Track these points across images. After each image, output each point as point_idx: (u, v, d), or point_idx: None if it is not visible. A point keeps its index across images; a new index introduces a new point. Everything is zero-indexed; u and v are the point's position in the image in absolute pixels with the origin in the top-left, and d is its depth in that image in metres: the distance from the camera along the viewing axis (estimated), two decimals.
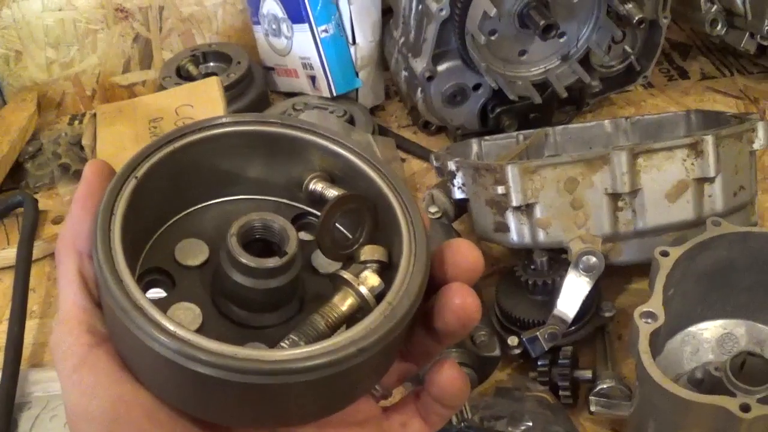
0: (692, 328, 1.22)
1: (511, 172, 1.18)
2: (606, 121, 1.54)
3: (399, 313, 0.61)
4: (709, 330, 1.22)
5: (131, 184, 0.64)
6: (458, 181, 1.28)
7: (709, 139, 1.19)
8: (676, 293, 1.10)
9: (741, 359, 1.08)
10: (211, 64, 1.86)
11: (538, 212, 1.20)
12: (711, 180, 1.20)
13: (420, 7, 1.53)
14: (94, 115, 1.58)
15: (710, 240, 1.13)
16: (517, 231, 1.23)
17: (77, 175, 1.67)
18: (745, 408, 0.91)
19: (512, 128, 1.60)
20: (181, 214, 0.70)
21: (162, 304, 0.62)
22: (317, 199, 0.71)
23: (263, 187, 0.73)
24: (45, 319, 1.45)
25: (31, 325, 1.41)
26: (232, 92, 1.73)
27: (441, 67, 1.56)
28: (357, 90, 1.77)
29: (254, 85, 1.81)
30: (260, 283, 0.63)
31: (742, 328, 1.22)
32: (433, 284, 0.66)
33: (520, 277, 1.26)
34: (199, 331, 0.62)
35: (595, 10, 1.54)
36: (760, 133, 1.25)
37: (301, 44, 1.73)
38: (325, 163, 0.71)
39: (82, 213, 0.65)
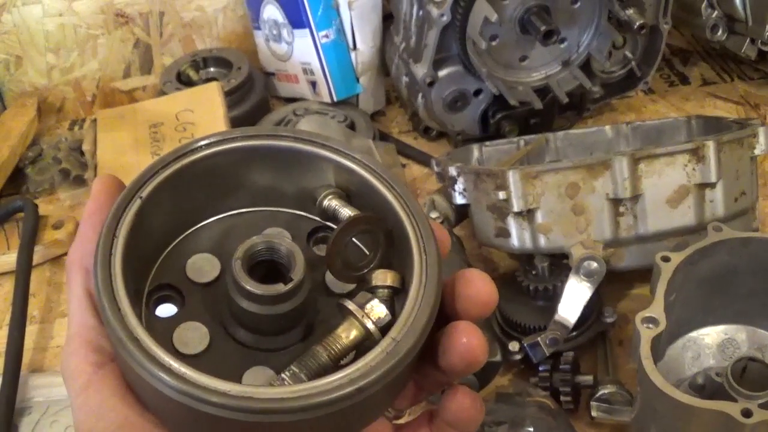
0: (693, 334, 1.22)
1: (513, 177, 1.18)
2: (607, 127, 1.54)
3: (402, 350, 0.60)
4: (710, 335, 1.22)
5: (136, 204, 0.64)
6: (459, 186, 1.28)
7: (710, 145, 1.18)
8: (677, 299, 1.10)
9: (742, 365, 1.07)
10: (212, 69, 1.86)
11: (539, 217, 1.20)
12: (712, 185, 1.20)
13: (421, 12, 1.52)
14: (95, 120, 1.58)
15: (711, 245, 1.13)
16: (518, 236, 1.23)
17: (77, 181, 1.67)
18: (747, 413, 0.91)
19: (513, 134, 1.60)
20: (193, 229, 0.70)
21: (170, 324, 0.62)
22: (331, 217, 0.70)
23: (278, 199, 0.72)
24: (45, 324, 1.44)
25: (31, 330, 1.41)
26: (233, 97, 1.73)
27: (442, 73, 1.56)
28: (357, 95, 1.77)
29: (255, 90, 1.81)
30: (265, 309, 0.62)
31: (743, 333, 1.22)
32: (444, 315, 0.65)
33: (522, 282, 1.26)
34: (205, 352, 0.62)
35: (596, 16, 1.54)
36: (761, 138, 1.25)
37: (302, 49, 1.73)
38: (340, 178, 0.71)
39: (90, 231, 0.65)
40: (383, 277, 0.66)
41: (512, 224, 1.22)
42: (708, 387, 1.09)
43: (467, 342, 0.62)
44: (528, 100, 1.57)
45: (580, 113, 1.71)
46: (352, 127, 1.70)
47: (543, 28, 1.45)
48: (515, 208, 1.19)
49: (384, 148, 1.65)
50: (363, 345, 0.62)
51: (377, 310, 0.63)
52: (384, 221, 0.68)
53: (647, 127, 1.53)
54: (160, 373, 0.56)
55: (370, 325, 0.62)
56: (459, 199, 1.29)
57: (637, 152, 1.19)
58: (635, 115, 1.78)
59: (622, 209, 1.19)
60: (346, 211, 0.68)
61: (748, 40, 1.72)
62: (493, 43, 1.51)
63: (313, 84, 1.75)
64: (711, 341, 1.21)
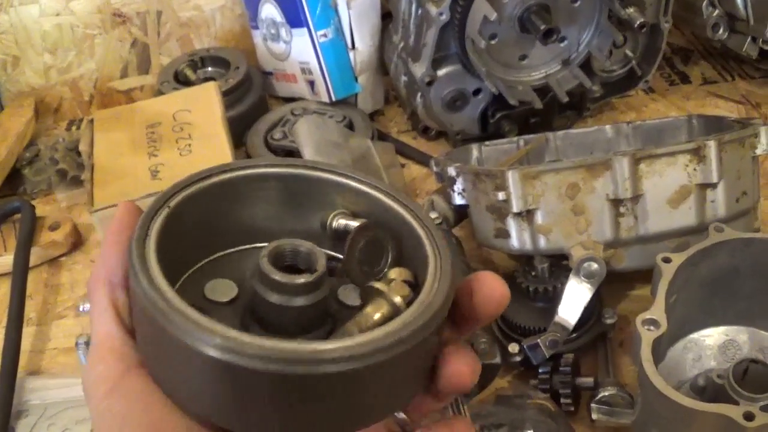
0: (694, 335, 1.21)
1: (512, 177, 1.18)
2: (607, 126, 1.53)
3: (434, 307, 0.61)
4: (711, 337, 1.21)
5: (164, 212, 0.65)
6: (458, 186, 1.28)
7: (711, 145, 1.18)
8: (678, 300, 1.09)
9: (744, 366, 1.07)
10: (210, 69, 1.85)
11: (539, 218, 1.20)
12: (713, 186, 1.20)
13: (420, 11, 1.52)
14: (92, 120, 1.57)
15: (713, 246, 1.12)
16: (517, 237, 1.22)
17: (75, 181, 1.67)
18: (749, 416, 0.90)
19: (513, 133, 1.59)
20: (207, 259, 0.71)
21: None
22: (342, 234, 0.71)
23: (290, 233, 0.71)
24: (42, 327, 1.44)
25: (28, 332, 1.40)
26: (231, 97, 1.72)
27: (441, 72, 1.55)
28: (356, 95, 1.76)
29: (253, 90, 1.80)
30: (291, 300, 0.62)
31: (744, 334, 1.21)
32: (459, 315, 0.65)
33: (521, 283, 1.25)
34: None
35: (596, 15, 1.53)
36: (763, 138, 1.25)
37: (300, 49, 1.72)
38: (347, 201, 0.72)
39: (113, 247, 0.66)
40: (398, 273, 0.68)
41: (512, 225, 1.21)
42: (709, 389, 1.09)
43: (455, 368, 0.64)
44: (528, 99, 1.56)
45: (580, 112, 1.70)
46: (350, 126, 1.69)
47: (543, 26, 1.44)
48: (515, 209, 1.19)
49: (383, 147, 1.65)
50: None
51: (402, 288, 0.64)
52: (394, 229, 0.69)
53: (648, 127, 1.52)
54: (207, 335, 0.56)
55: (398, 300, 0.63)
56: (458, 200, 1.29)
57: (637, 152, 1.18)
58: (635, 114, 1.78)
59: (622, 210, 1.19)
60: (356, 223, 0.70)
61: (749, 39, 1.72)
62: (493, 42, 1.50)
63: (312, 83, 1.74)
64: (712, 342, 1.21)
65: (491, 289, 0.65)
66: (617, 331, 1.28)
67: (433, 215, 1.32)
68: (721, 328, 1.21)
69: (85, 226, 1.59)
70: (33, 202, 1.62)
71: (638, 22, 1.50)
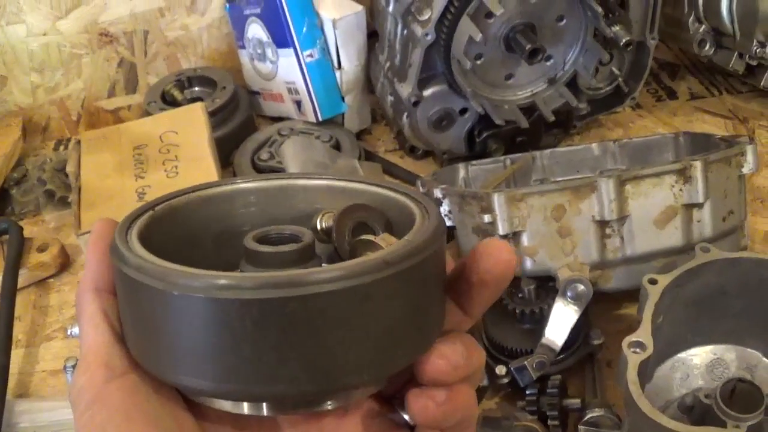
0: (682, 354, 1.21)
1: (498, 200, 1.17)
2: (594, 145, 1.53)
3: (426, 233, 0.61)
4: (698, 356, 1.21)
5: (147, 214, 0.65)
6: (444, 208, 1.27)
7: (697, 165, 1.18)
8: (665, 321, 1.09)
9: (731, 386, 1.07)
10: (196, 88, 1.86)
11: (525, 240, 1.20)
12: (700, 206, 1.20)
13: (405, 31, 1.52)
14: (78, 142, 1.57)
15: (699, 267, 1.12)
16: None
17: (62, 202, 1.67)
18: None
19: (499, 152, 1.59)
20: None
21: None
22: (330, 230, 0.70)
23: None
24: (31, 348, 1.43)
25: (16, 354, 1.40)
26: (218, 117, 1.72)
27: (427, 92, 1.55)
28: (343, 114, 1.76)
29: (240, 109, 1.80)
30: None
31: (732, 353, 1.21)
32: (465, 279, 0.65)
33: (508, 305, 1.25)
34: None
35: (582, 34, 1.53)
36: (749, 156, 1.25)
37: (287, 69, 1.72)
38: (330, 200, 0.72)
39: (96, 256, 0.66)
40: (387, 239, 0.66)
41: None
42: (697, 408, 1.08)
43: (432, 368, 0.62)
44: (514, 118, 1.56)
45: (567, 130, 1.70)
46: (337, 146, 1.69)
47: (528, 46, 1.44)
48: (501, 231, 1.19)
49: (369, 167, 1.65)
50: None
51: (390, 237, 0.64)
52: (381, 212, 0.69)
53: (634, 145, 1.52)
54: (194, 277, 0.55)
55: (387, 242, 0.63)
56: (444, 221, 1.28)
57: (623, 173, 1.18)
58: (623, 130, 1.78)
59: (608, 231, 1.19)
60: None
61: (735, 55, 1.72)
62: (478, 62, 1.50)
63: (298, 103, 1.74)
64: (700, 362, 1.21)
65: (498, 250, 0.64)
66: (605, 351, 1.28)
67: None
68: (709, 347, 1.21)
69: (73, 247, 1.59)
70: (21, 223, 1.61)
71: (624, 41, 1.50)
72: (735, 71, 1.75)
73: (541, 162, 1.53)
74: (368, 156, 1.73)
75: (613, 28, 1.51)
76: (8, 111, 1.89)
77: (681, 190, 1.18)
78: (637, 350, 1.01)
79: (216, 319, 0.55)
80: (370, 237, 0.64)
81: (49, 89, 1.89)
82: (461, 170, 1.51)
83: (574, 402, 1.18)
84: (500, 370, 1.20)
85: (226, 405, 0.61)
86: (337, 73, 1.71)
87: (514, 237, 1.20)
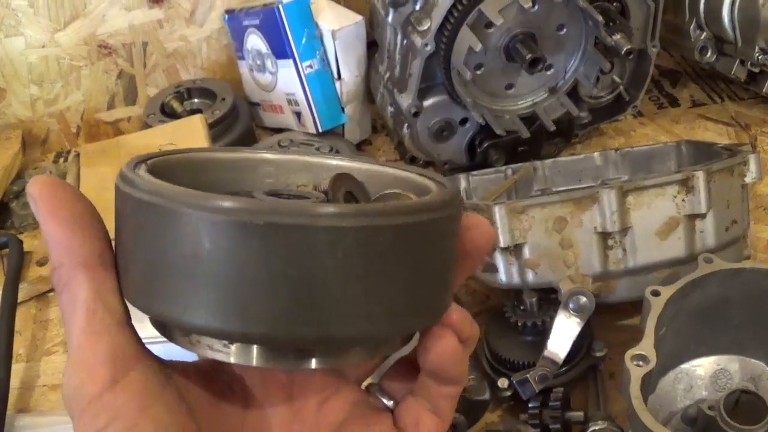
0: (685, 365, 1.20)
1: (499, 212, 1.17)
2: (595, 154, 1.53)
3: (445, 193, 0.60)
4: (702, 366, 1.21)
5: (161, 158, 0.63)
6: None
7: (700, 175, 1.17)
8: (668, 332, 1.09)
9: (735, 397, 1.06)
10: (196, 100, 1.85)
11: (526, 252, 1.19)
12: (702, 216, 1.19)
13: (405, 42, 1.51)
14: (78, 155, 1.57)
15: (702, 278, 1.11)
16: (505, 271, 1.21)
17: None
18: None
19: (500, 162, 1.58)
20: None
21: None
22: (327, 192, 0.68)
23: None
24: (31, 363, 1.43)
25: (17, 369, 1.39)
26: (218, 128, 1.71)
27: (427, 103, 1.55)
28: (343, 125, 1.76)
29: (240, 121, 1.80)
30: None
31: (735, 363, 1.20)
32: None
33: (510, 318, 1.25)
34: None
35: (583, 42, 1.53)
36: (752, 166, 1.24)
37: (286, 80, 1.72)
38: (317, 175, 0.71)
39: (64, 227, 0.57)
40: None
41: (499, 259, 1.21)
42: (700, 420, 1.08)
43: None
44: (515, 128, 1.56)
45: (568, 139, 1.70)
46: None
47: (529, 55, 1.43)
48: (502, 244, 1.18)
49: None
50: None
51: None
52: (365, 188, 0.67)
53: (636, 153, 1.52)
54: (216, 199, 0.52)
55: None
56: None
57: (625, 185, 1.17)
58: (624, 139, 1.77)
59: (610, 242, 1.18)
60: None
61: (737, 62, 1.72)
62: (479, 72, 1.50)
63: (298, 114, 1.74)
64: (703, 372, 1.20)
65: (481, 223, 0.66)
66: (608, 363, 1.27)
67: None
68: (712, 358, 1.21)
69: None
70: (21, 237, 1.60)
71: (625, 49, 1.50)
72: (737, 78, 1.75)
73: (543, 172, 1.52)
74: None
75: (614, 37, 1.50)
76: (7, 124, 1.88)
77: (683, 200, 1.18)
78: (640, 363, 1.01)
79: (237, 244, 0.52)
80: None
81: (48, 101, 1.89)
82: (462, 181, 1.50)
83: (577, 415, 1.18)
84: (502, 383, 1.19)
85: (219, 354, 0.58)
86: (337, 84, 1.70)
87: (515, 249, 1.19)
